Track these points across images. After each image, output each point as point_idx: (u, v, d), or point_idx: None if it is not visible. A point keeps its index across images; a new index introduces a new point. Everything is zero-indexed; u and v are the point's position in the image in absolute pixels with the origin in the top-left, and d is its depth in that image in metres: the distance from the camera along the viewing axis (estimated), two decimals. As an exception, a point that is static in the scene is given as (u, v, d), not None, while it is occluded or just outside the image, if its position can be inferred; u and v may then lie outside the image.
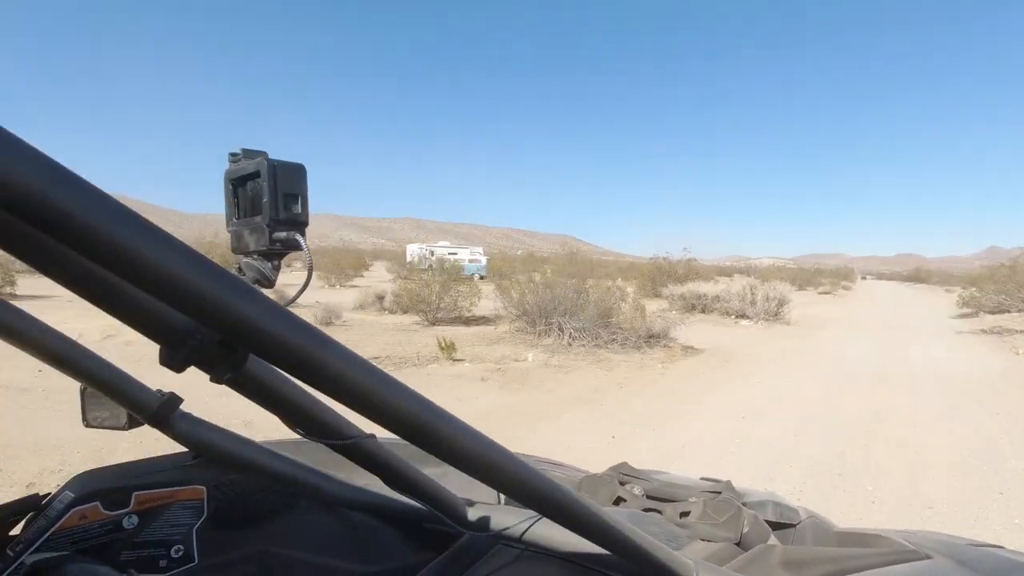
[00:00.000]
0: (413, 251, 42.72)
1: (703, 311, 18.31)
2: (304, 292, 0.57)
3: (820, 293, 34.06)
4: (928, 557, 0.86)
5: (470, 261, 37.58)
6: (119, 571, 0.79)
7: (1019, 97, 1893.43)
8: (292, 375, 0.40)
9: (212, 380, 0.44)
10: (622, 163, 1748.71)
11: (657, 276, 24.55)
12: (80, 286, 0.39)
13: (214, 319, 0.34)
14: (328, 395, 0.42)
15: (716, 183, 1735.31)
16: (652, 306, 20.53)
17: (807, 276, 40.55)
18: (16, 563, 0.78)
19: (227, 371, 0.43)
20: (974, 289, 21.57)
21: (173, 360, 0.42)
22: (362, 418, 0.48)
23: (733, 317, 17.19)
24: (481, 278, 34.97)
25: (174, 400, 0.88)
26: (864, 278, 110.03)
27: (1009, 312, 19.25)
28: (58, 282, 0.38)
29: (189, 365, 0.42)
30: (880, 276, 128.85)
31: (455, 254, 42.03)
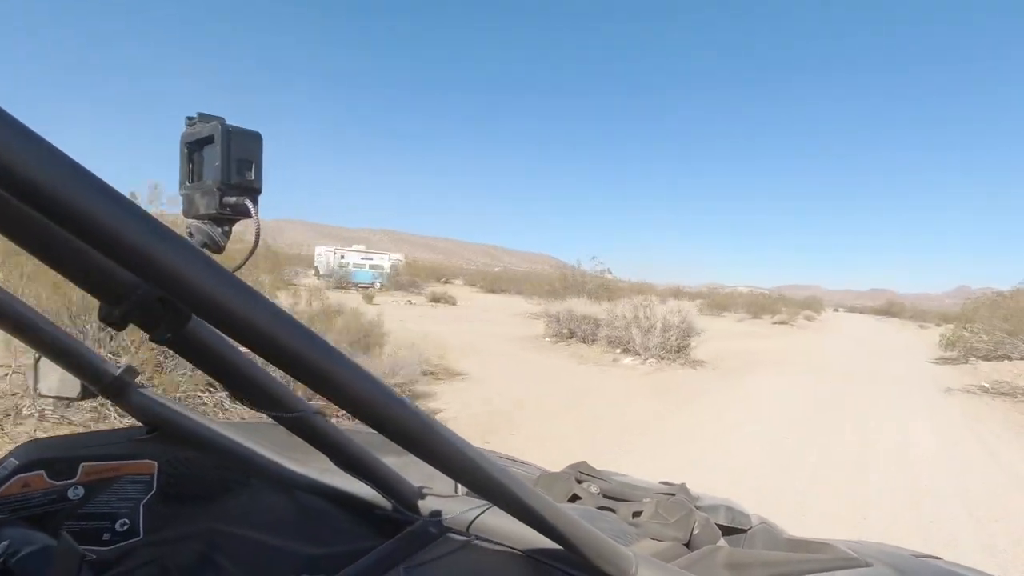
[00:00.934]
0: (321, 255, 36.44)
1: (584, 340, 12.66)
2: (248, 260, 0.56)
3: (774, 323, 28.88)
4: (869, 565, 0.90)
5: (361, 265, 31.49)
6: (57, 539, 0.75)
7: (992, 141, 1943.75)
8: (233, 338, 0.40)
9: (152, 340, 0.43)
10: (606, 188, 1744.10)
11: (564, 291, 18.91)
12: (18, 234, 0.37)
13: (155, 275, 0.34)
14: (270, 361, 0.41)
15: (700, 212, 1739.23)
16: (528, 329, 15.25)
17: (765, 303, 35.48)
18: None
19: (167, 331, 0.43)
20: (954, 326, 16.42)
21: (112, 316, 0.41)
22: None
23: (619, 351, 11.55)
24: (380, 286, 29.29)
25: (130, 373, 0.90)
26: (836, 310, 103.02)
27: (1009, 359, 14.14)
28: None
29: (128, 322, 0.42)
30: (852, 309, 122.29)
31: (370, 259, 36.48)
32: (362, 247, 47.28)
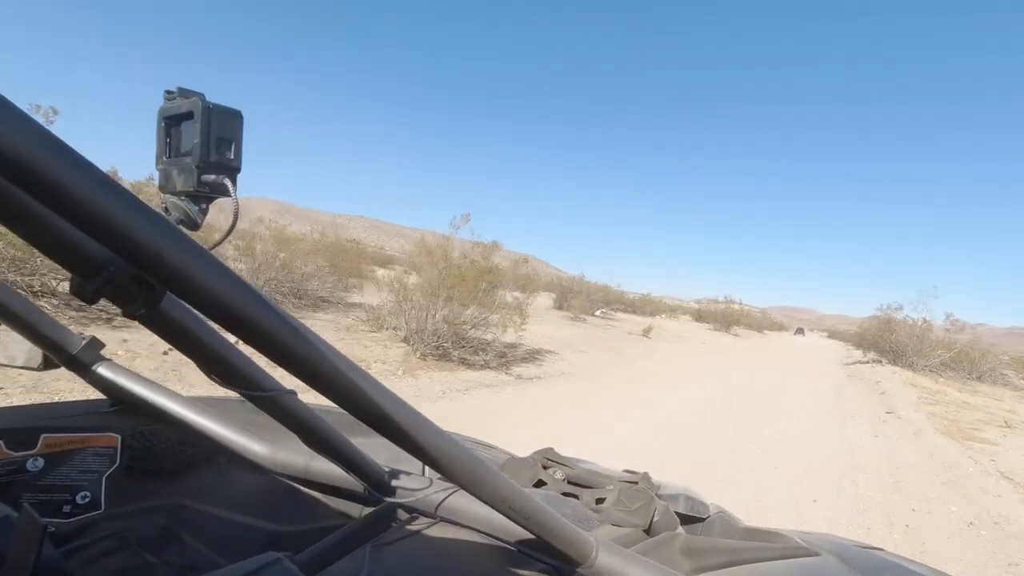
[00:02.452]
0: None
1: None
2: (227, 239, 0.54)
3: (641, 334, 18.03)
4: (817, 554, 0.93)
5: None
6: (15, 510, 0.74)
7: (1006, 172, 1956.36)
8: (210, 317, 0.40)
9: (124, 315, 0.43)
10: (604, 194, 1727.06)
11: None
12: None
13: (130, 251, 0.34)
14: (244, 341, 0.42)
15: (700, 227, 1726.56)
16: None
17: (708, 313, 24.14)
18: None
19: (141, 307, 0.43)
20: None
21: (83, 290, 0.41)
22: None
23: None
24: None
25: (95, 344, 0.89)
26: (797, 332, 79.80)
27: None
28: None
29: (100, 297, 0.41)
30: (833, 334, 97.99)
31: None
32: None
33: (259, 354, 0.44)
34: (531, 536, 0.69)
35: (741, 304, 37.02)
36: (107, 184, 0.32)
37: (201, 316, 0.44)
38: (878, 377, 15.40)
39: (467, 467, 0.58)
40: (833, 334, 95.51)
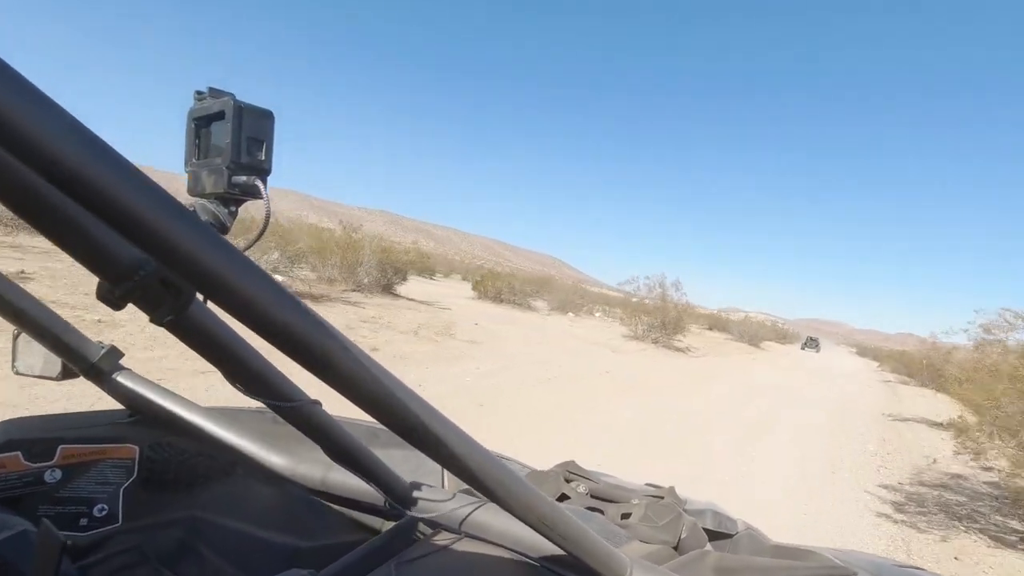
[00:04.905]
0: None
1: None
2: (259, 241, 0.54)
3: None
4: (854, 574, 0.88)
5: None
6: (32, 522, 0.75)
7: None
8: (242, 321, 0.39)
9: (152, 321, 0.43)
10: (635, 202, 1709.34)
11: None
12: (19, 203, 0.36)
13: (163, 251, 0.34)
14: (278, 347, 0.41)
15: (731, 236, 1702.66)
16: None
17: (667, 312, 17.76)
18: None
19: (169, 313, 0.42)
20: None
21: (112, 295, 0.41)
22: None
23: None
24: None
25: (114, 354, 0.88)
26: (808, 345, 51.68)
27: None
28: (3, 202, 0.36)
29: (128, 302, 0.41)
30: (863, 351, 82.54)
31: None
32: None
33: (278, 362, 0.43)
34: (559, 553, 0.68)
35: (685, 296, 20.72)
36: (143, 182, 0.31)
37: (226, 324, 0.44)
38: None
39: (503, 481, 0.56)
40: (864, 351, 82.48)
